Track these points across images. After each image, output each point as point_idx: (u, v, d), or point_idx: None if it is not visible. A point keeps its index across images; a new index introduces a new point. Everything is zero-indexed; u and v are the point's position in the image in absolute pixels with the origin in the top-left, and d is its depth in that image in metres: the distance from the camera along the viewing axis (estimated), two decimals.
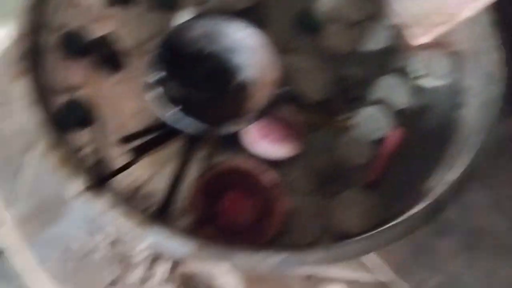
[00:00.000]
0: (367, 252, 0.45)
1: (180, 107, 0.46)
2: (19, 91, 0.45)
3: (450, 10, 0.54)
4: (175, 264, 0.47)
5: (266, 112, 0.48)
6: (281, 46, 0.54)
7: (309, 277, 0.50)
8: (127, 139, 0.49)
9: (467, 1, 0.54)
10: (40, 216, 0.46)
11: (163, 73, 0.47)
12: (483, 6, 0.52)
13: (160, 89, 0.47)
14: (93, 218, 0.46)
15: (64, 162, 0.43)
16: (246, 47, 0.50)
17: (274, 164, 0.49)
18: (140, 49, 0.53)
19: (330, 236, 0.48)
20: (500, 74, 0.51)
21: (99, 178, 0.43)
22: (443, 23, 0.55)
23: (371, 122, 0.52)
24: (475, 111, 0.52)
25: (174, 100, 0.47)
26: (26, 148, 0.49)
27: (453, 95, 0.55)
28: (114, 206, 0.41)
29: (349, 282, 0.51)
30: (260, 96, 0.48)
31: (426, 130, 0.53)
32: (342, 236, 0.47)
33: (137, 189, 0.47)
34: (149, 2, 0.56)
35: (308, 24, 0.58)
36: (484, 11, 0.53)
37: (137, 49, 0.53)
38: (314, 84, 0.53)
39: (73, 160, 0.43)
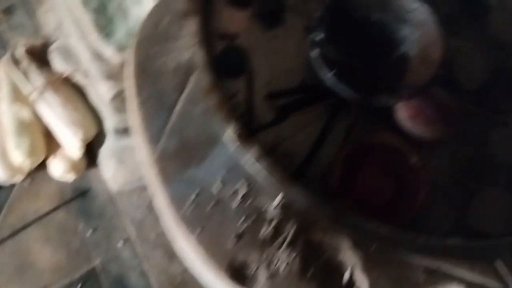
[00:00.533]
0: (503, 257, 0.42)
1: (335, 71, 0.44)
2: (185, 30, 0.46)
3: None
4: (303, 229, 0.46)
5: (422, 91, 0.45)
6: (447, 26, 0.51)
7: (431, 271, 0.48)
8: (275, 95, 0.49)
9: None
10: (183, 156, 0.47)
11: (324, 35, 0.46)
12: None
13: (318, 50, 0.45)
14: (235, 166, 0.46)
15: (220, 106, 0.43)
16: (415, 20, 0.47)
17: (422, 145, 0.46)
18: (303, 6, 0.52)
19: (465, 233, 0.45)
20: None
21: (248, 129, 0.43)
22: None
23: None
24: None
25: (330, 63, 0.45)
26: (182, 86, 0.50)
27: None
28: (259, 158, 0.41)
29: (472, 285, 0.48)
30: (419, 73, 0.46)
31: None
32: (478, 235, 0.44)
33: (280, 146, 0.47)
34: None
35: (478, 7, 0.53)
36: None
37: (300, 5, 0.52)
38: (475, 70, 0.50)
39: (227, 106, 0.44)
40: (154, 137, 0.47)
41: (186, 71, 0.48)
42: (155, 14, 0.53)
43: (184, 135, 0.47)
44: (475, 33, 0.53)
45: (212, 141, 0.46)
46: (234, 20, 0.52)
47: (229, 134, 0.43)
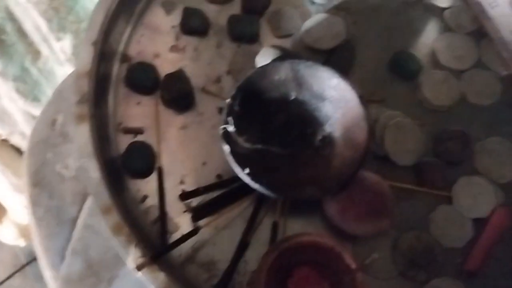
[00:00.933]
0: None
1: (250, 169, 0.39)
2: (80, 134, 0.40)
3: None
4: None
5: (353, 179, 0.40)
6: (371, 94, 0.47)
7: None
8: (190, 195, 0.43)
9: None
10: (89, 280, 0.41)
11: (235, 127, 0.41)
12: None
13: (230, 144, 0.40)
14: None
15: (118, 228, 0.38)
16: (336, 97, 0.43)
17: (357, 240, 0.41)
18: (214, 87, 0.47)
19: None
20: None
21: (157, 251, 0.37)
22: None
23: (473, 196, 0.43)
24: None
25: (244, 160, 0.40)
26: (82, 197, 0.44)
27: None
28: (170, 284, 0.36)
29: None
30: (346, 160, 0.41)
31: None
32: None
33: (198, 253, 0.41)
34: (227, 34, 0.50)
35: (404, 69, 0.49)
36: None
37: (211, 86, 0.47)
38: (408, 143, 0.45)
39: (126, 229, 0.38)
40: (55, 260, 0.41)
41: (85, 184, 0.42)
42: (50, 111, 0.46)
43: (89, 254, 0.41)
44: (404, 97, 0.48)
45: (120, 260, 0.40)
46: (138, 111, 0.46)
47: (131, 260, 0.37)
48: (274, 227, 0.43)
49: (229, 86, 0.47)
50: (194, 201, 0.44)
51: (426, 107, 0.48)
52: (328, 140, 0.44)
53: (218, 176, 0.45)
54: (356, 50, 0.50)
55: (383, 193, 0.42)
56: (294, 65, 0.45)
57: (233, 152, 0.41)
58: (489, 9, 0.51)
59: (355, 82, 0.46)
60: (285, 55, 0.47)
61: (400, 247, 0.43)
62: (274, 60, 0.46)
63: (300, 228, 0.44)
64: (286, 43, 0.51)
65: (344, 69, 0.50)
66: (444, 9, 0.53)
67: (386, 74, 0.50)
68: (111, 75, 0.47)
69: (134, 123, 0.46)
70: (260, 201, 0.44)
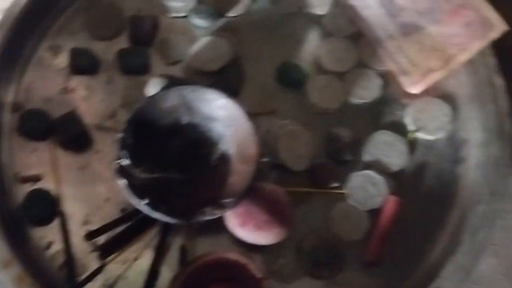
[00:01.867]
0: None
1: (148, 199, 0.40)
2: None
3: (448, 52, 0.48)
4: None
5: (249, 192, 0.42)
6: (262, 107, 0.49)
7: None
8: (95, 233, 0.44)
9: (466, 41, 0.48)
10: None
11: (129, 160, 0.42)
12: (483, 47, 0.46)
13: (127, 178, 0.41)
14: None
15: (22, 279, 0.38)
16: (226, 116, 0.45)
17: (263, 249, 0.43)
18: (109, 123, 0.48)
19: None
20: (503, 126, 0.45)
21: None
22: (440, 68, 0.49)
23: (365, 189, 0.46)
24: (476, 168, 0.46)
25: (140, 191, 0.41)
26: None
27: (453, 150, 0.49)
28: None
29: None
30: (242, 172, 0.43)
31: (425, 194, 0.47)
32: None
33: None
34: (117, 68, 0.51)
35: (291, 79, 0.52)
36: (485, 53, 0.47)
37: (105, 123, 0.48)
38: (300, 149, 0.47)
39: (33, 276, 0.38)
40: None
41: None
42: None
43: None
44: (294, 105, 0.50)
45: None
46: (35, 158, 0.47)
47: None
48: (182, 251, 0.44)
49: (124, 119, 0.48)
50: (101, 239, 0.45)
51: (315, 112, 0.51)
52: (223, 157, 0.46)
53: (123, 210, 0.46)
54: (245, 66, 0.52)
55: (280, 200, 0.44)
56: (181, 92, 0.46)
57: (130, 185, 0.42)
58: (362, 11, 0.55)
59: (247, 97, 0.49)
60: (172, 83, 0.48)
61: (304, 248, 0.45)
62: (161, 89, 0.48)
63: (209, 247, 0.45)
64: (177, 69, 0.52)
65: (234, 87, 0.52)
66: (322, 16, 0.55)
67: (275, 85, 0.52)
68: (3, 126, 0.48)
69: (32, 171, 0.47)
70: (166, 228, 0.45)
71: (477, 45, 0.48)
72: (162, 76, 0.50)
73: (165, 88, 0.48)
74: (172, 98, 0.46)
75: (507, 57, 0.49)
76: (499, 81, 0.48)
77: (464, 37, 0.49)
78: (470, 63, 0.49)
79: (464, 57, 0.49)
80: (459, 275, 0.40)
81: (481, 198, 0.43)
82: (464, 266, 0.41)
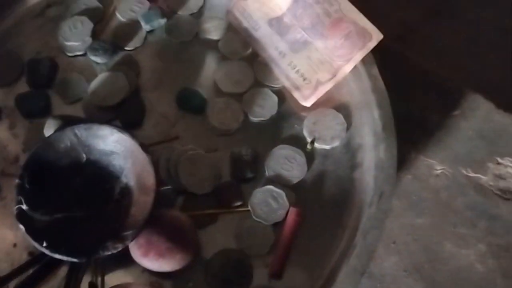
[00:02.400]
0: None
1: (50, 240, 0.41)
2: None
3: (334, 64, 0.51)
4: None
5: (150, 221, 0.44)
6: (166, 135, 0.51)
7: None
8: (5, 280, 0.44)
9: (348, 52, 0.51)
10: None
11: (28, 205, 0.42)
12: (364, 56, 0.49)
13: (27, 222, 0.42)
14: None
15: None
16: (123, 150, 0.46)
17: (172, 275, 0.44)
18: (13, 168, 0.49)
19: None
20: (388, 130, 0.48)
21: None
22: (329, 80, 0.52)
23: (268, 204, 0.48)
24: (368, 172, 0.48)
25: (45, 232, 0.42)
26: None
27: (349, 157, 0.51)
28: None
29: None
30: (142, 203, 0.44)
31: (326, 202, 0.49)
32: None
33: None
34: (18, 113, 0.53)
35: (191, 105, 0.53)
36: (367, 62, 0.49)
37: (9, 169, 0.49)
38: (202, 173, 0.49)
39: None
40: None
41: None
42: None
43: None
44: (196, 129, 0.52)
45: None
46: None
47: None
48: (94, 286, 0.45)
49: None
50: (11, 285, 0.45)
51: (217, 134, 0.52)
52: (125, 190, 0.47)
53: (30, 253, 0.46)
54: (145, 97, 0.54)
55: (181, 226, 0.46)
56: (75, 131, 0.47)
57: (30, 229, 0.43)
58: (254, 32, 0.57)
59: (149, 126, 0.52)
60: (67, 123, 0.49)
61: (212, 269, 0.47)
62: (55, 131, 0.49)
63: (120, 280, 0.46)
64: (78, 108, 0.53)
65: (136, 118, 0.53)
66: (217, 41, 0.57)
67: (177, 112, 0.53)
68: None
69: None
70: (73, 267, 0.45)
71: (359, 54, 0.51)
72: (57, 117, 0.50)
73: (58, 129, 0.49)
74: (67, 138, 0.47)
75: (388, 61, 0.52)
76: (381, 86, 0.50)
77: (347, 49, 0.51)
78: (356, 72, 0.51)
79: (348, 67, 0.52)
80: (353, 277, 0.42)
81: (372, 200, 0.46)
82: (357, 268, 0.43)
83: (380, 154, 0.47)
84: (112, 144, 0.47)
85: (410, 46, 0.62)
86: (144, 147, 0.46)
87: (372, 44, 0.51)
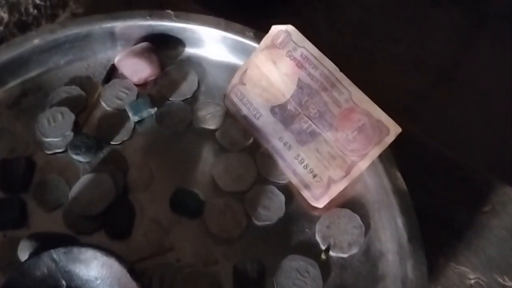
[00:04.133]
0: None
1: None
2: None
3: (348, 160, 0.45)
4: None
5: None
6: (157, 246, 0.45)
7: None
8: None
9: (363, 147, 0.44)
10: None
11: None
12: (381, 152, 0.42)
13: None
14: None
15: None
16: (100, 266, 0.39)
17: None
18: None
19: None
20: (415, 244, 0.41)
21: None
22: (342, 178, 0.45)
23: None
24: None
25: None
26: None
27: (370, 266, 0.44)
28: None
29: None
30: None
31: None
32: None
33: None
34: None
35: (186, 209, 0.47)
36: (385, 158, 0.43)
37: None
38: None
39: None
40: None
41: None
42: None
43: None
44: (193, 235, 0.45)
45: None
46: None
47: None
48: None
49: None
50: None
51: (217, 243, 0.45)
52: None
53: None
54: (134, 201, 0.47)
55: None
56: (53, 255, 0.40)
57: None
58: (255, 121, 0.51)
59: (139, 236, 0.45)
60: (43, 244, 0.42)
61: None
62: (30, 256, 0.42)
63: None
64: (59, 216, 0.46)
65: (123, 227, 0.46)
66: (215, 130, 0.51)
67: (172, 216, 0.47)
68: None
69: None
70: None
71: (375, 150, 0.45)
72: (31, 237, 0.43)
73: (33, 255, 0.41)
74: (44, 265, 0.40)
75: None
76: (403, 188, 0.44)
77: (361, 143, 0.45)
78: (373, 169, 0.45)
79: (364, 164, 0.46)
80: None
81: None
82: None
83: (408, 272, 0.41)
84: (96, 269, 0.40)
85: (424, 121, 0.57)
86: (133, 274, 0.39)
87: (390, 139, 0.45)
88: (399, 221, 0.43)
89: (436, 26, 0.73)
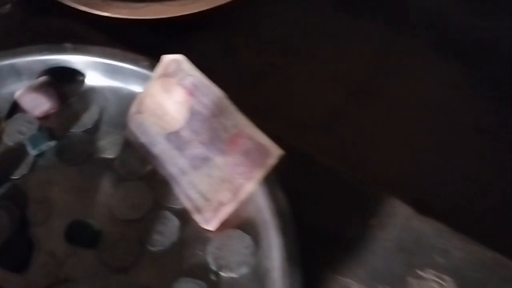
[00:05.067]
0: None
1: None
2: None
3: (235, 183, 0.47)
4: None
5: None
6: (53, 277, 0.47)
7: None
8: None
9: (249, 170, 0.46)
10: None
11: None
12: (265, 174, 0.46)
13: None
14: None
15: None
16: None
17: None
18: None
19: None
20: (293, 264, 0.43)
21: None
22: (231, 200, 0.47)
23: None
24: None
25: None
26: None
27: (257, 285, 0.46)
28: None
29: None
30: None
31: None
32: None
33: None
34: None
35: (82, 239, 0.48)
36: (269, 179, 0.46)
37: None
38: None
39: None
40: None
41: None
42: None
43: None
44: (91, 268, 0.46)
45: None
46: None
47: None
48: None
49: None
50: None
51: (112, 272, 0.47)
52: None
53: None
54: (33, 233, 0.49)
55: None
56: None
57: None
58: (152, 148, 0.52)
59: (37, 268, 0.47)
60: None
61: None
62: None
63: None
64: None
65: (22, 261, 0.48)
66: (113, 159, 0.52)
67: (67, 248, 0.48)
68: None
69: None
70: None
71: (259, 172, 0.47)
72: None
73: None
74: None
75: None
76: (285, 209, 0.46)
77: (246, 166, 0.47)
78: (258, 190, 0.47)
79: (250, 186, 0.47)
80: None
81: None
82: None
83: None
84: None
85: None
86: None
87: (272, 161, 0.47)
88: (280, 241, 0.45)
89: (353, 40, 0.75)
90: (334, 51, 0.78)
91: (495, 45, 0.77)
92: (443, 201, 0.58)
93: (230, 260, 0.48)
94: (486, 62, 0.75)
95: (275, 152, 0.47)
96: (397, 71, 0.75)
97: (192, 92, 0.51)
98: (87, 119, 0.56)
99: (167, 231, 0.49)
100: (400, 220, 0.51)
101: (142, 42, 0.59)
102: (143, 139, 0.53)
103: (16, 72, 0.57)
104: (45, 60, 0.55)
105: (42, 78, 0.55)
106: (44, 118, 0.55)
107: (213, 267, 0.48)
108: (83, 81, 0.57)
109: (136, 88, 0.56)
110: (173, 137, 0.52)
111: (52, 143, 0.53)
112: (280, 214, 0.46)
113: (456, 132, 0.68)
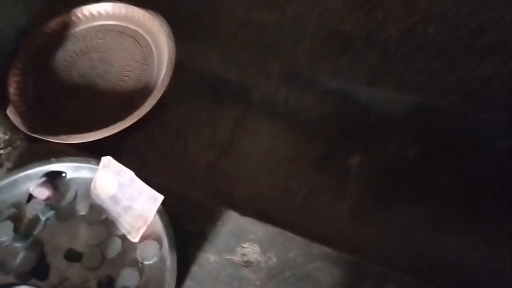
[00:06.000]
0: None
1: None
2: None
3: (144, 217, 0.98)
4: None
5: None
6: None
7: None
8: None
9: (149, 209, 0.98)
10: None
11: None
12: (156, 210, 0.95)
13: None
14: None
15: None
16: None
17: None
18: None
19: None
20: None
21: None
22: (143, 225, 0.99)
23: None
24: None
25: None
26: None
27: (161, 270, 0.96)
28: None
29: None
30: None
31: None
32: None
33: None
34: None
35: (72, 258, 0.99)
36: (160, 212, 0.96)
37: None
38: None
39: None
40: None
41: None
42: None
43: None
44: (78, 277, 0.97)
45: None
46: None
47: None
48: None
49: None
50: None
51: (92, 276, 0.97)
52: None
53: None
54: (47, 259, 0.99)
55: None
56: None
57: None
58: (103, 205, 1.04)
59: (51, 277, 0.93)
60: None
61: None
62: None
63: None
64: None
65: (44, 275, 0.98)
66: (84, 215, 1.04)
67: (66, 264, 0.99)
68: None
69: None
70: None
71: (154, 209, 0.98)
72: None
73: None
74: None
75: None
76: (167, 226, 0.97)
77: (148, 207, 0.99)
78: (157, 218, 0.98)
79: (151, 217, 0.99)
80: None
81: None
82: None
83: (167, 263, 0.93)
84: None
85: None
86: None
87: (158, 203, 0.98)
88: (168, 241, 0.95)
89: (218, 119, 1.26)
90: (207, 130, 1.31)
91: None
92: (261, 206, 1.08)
93: (148, 255, 0.98)
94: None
95: (159, 197, 0.99)
96: (247, 136, 1.28)
97: (118, 174, 1.03)
98: (69, 196, 1.08)
99: (115, 246, 1.00)
100: (232, 219, 1.02)
101: (94, 150, 1.12)
102: (98, 201, 1.05)
103: (28, 178, 1.09)
104: (43, 169, 1.08)
105: (43, 179, 1.08)
106: (47, 199, 1.07)
107: (140, 259, 0.98)
108: (65, 177, 1.09)
109: (92, 175, 1.09)
110: (112, 197, 1.04)
111: (52, 212, 1.05)
112: (167, 229, 0.97)
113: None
